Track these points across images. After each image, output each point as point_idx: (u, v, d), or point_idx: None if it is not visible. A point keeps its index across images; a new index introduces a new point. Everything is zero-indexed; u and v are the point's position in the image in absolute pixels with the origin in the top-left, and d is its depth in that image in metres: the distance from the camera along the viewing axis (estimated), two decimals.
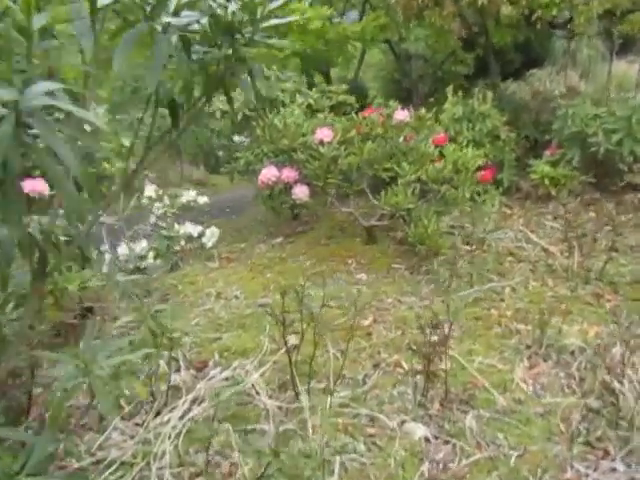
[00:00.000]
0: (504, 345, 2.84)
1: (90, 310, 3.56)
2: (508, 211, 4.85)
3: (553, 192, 4.66)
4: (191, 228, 4.71)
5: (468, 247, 4.13)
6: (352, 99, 5.66)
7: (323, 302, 2.76)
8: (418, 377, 2.54)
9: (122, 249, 4.10)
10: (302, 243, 4.75)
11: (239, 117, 4.82)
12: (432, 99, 8.32)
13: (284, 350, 2.51)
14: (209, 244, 4.73)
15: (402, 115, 4.07)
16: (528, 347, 2.80)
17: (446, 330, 2.34)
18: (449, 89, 5.29)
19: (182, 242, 4.86)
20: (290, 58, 6.21)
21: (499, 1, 4.43)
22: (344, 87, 5.61)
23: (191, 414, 2.38)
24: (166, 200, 4.94)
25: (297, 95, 4.89)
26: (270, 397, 2.48)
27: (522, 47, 8.87)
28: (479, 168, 5.01)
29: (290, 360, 2.42)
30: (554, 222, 4.42)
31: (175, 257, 4.86)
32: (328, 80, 8.00)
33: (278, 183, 4.03)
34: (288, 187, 4.05)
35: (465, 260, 3.87)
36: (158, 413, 2.45)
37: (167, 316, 3.34)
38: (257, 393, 2.50)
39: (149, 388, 2.57)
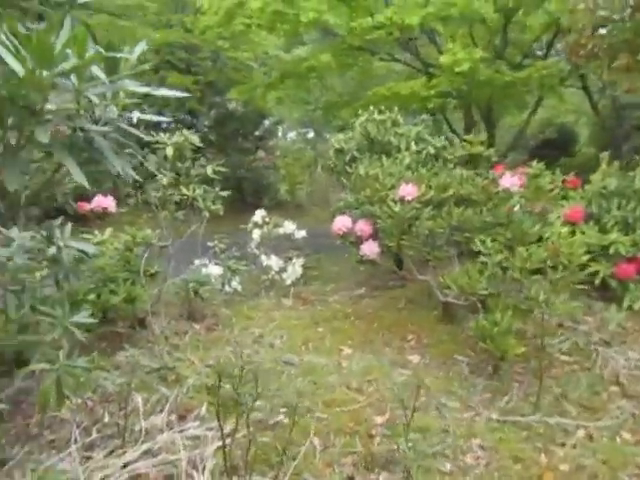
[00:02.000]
0: None
1: (142, 322, 3.73)
2: None
3: None
4: (274, 261, 4.66)
5: (565, 357, 3.27)
6: (490, 152, 4.99)
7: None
8: None
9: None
10: (380, 301, 4.33)
11: (348, 157, 4.62)
12: None
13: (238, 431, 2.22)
14: (288, 281, 4.61)
15: (509, 182, 3.41)
16: None
17: None
18: (603, 155, 4.31)
19: (272, 272, 4.86)
20: (430, 99, 5.77)
21: None
22: (481, 137, 4.99)
23: (130, 467, 2.25)
24: (265, 228, 5.00)
25: (413, 142, 4.48)
26: None
27: None
28: (627, 259, 3.99)
29: (225, 452, 2.12)
30: None
31: (261, 286, 4.87)
32: (490, 126, 7.29)
33: (350, 234, 3.71)
34: (359, 241, 3.70)
35: (550, 374, 3.06)
36: (112, 452, 2.39)
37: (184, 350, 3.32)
38: (200, 470, 2.26)
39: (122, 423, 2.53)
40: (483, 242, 3.21)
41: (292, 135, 17.81)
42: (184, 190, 3.54)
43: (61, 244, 2.02)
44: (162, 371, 2.97)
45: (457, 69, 5.20)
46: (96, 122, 1.43)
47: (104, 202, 3.18)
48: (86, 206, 3.13)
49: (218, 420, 2.10)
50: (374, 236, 3.66)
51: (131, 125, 1.52)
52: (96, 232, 3.74)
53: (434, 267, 3.74)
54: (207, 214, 3.54)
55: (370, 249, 3.56)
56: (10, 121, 1.26)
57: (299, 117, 15.42)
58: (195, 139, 3.71)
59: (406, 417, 2.64)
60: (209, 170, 3.71)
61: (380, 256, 3.68)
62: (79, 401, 2.67)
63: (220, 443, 2.42)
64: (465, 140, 5.03)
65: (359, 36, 5.99)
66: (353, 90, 8.19)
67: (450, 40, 7.04)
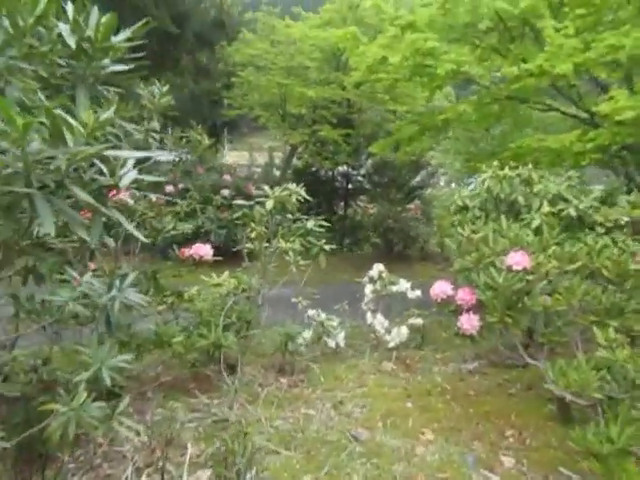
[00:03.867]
0: None
1: (232, 368, 3.79)
2: None
3: None
4: (378, 321, 4.41)
5: None
6: None
7: None
8: None
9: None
10: (489, 381, 3.77)
11: (469, 215, 4.22)
12: None
13: None
14: (391, 344, 4.30)
15: None
16: None
17: None
18: None
19: (380, 331, 4.60)
20: (585, 155, 4.97)
21: None
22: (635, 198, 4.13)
23: None
24: (377, 285, 4.79)
25: (545, 201, 3.89)
26: None
27: None
28: None
29: None
30: None
31: (367, 344, 4.63)
32: None
33: (450, 303, 3.31)
34: (460, 311, 3.27)
35: None
36: None
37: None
38: None
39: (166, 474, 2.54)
40: (605, 329, 2.58)
41: (454, 186, 17.35)
42: (282, 243, 3.57)
43: (115, 294, 2.14)
44: (227, 422, 2.95)
45: (617, 118, 4.44)
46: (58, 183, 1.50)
47: (201, 250, 3.36)
48: (186, 252, 3.34)
49: None
50: (477, 308, 3.22)
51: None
52: (213, 274, 3.96)
53: (551, 351, 3.13)
54: (295, 269, 3.50)
55: (469, 322, 3.12)
56: None
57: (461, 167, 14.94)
58: (302, 192, 3.75)
59: None
60: (309, 224, 3.70)
61: (482, 332, 3.21)
62: (146, 438, 2.77)
63: None
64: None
65: (505, 86, 5.56)
66: (500, 142, 7.61)
67: (623, 85, 6.14)
